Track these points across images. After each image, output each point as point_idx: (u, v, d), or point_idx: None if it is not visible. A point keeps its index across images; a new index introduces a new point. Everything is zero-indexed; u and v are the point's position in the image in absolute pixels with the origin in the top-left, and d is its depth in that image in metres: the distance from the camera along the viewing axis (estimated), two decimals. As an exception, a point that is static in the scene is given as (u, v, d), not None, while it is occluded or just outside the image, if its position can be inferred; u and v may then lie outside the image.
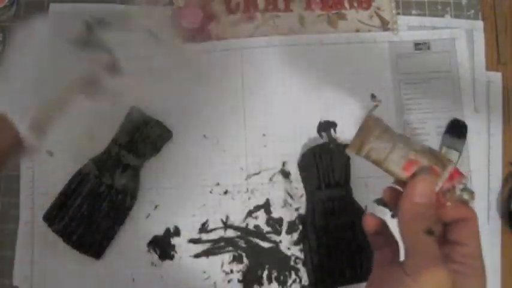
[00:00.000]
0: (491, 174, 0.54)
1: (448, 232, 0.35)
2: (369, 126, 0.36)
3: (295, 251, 0.52)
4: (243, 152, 0.54)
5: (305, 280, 0.52)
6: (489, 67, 0.57)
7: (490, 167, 0.54)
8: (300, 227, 0.53)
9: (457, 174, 0.33)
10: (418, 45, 0.56)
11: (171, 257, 0.52)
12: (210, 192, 0.54)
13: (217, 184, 0.54)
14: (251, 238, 0.53)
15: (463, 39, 0.56)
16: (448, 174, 0.33)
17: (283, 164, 0.54)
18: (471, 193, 0.34)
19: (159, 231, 0.53)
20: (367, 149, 0.35)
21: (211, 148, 0.54)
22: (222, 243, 0.53)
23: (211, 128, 0.55)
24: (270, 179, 0.54)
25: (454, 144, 0.53)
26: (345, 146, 0.54)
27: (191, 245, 0.53)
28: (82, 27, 0.43)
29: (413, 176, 0.33)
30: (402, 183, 0.34)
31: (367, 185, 0.53)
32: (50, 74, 0.39)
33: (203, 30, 0.57)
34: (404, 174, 0.33)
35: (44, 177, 0.55)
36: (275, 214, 0.53)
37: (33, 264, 0.53)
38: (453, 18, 0.58)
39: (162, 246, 0.53)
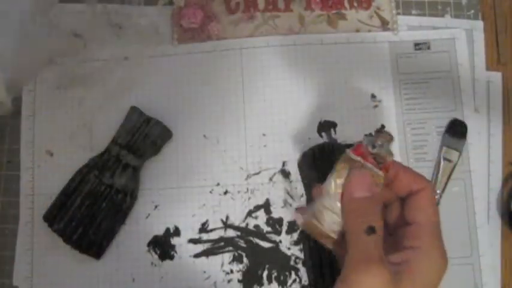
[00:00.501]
0: (491, 174, 0.54)
1: (404, 212, 0.35)
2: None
3: (295, 251, 0.52)
4: (243, 152, 0.54)
5: (305, 280, 0.52)
6: (489, 67, 0.57)
7: (490, 167, 0.54)
8: (300, 227, 0.53)
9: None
10: (418, 45, 0.56)
11: (171, 257, 0.52)
12: (210, 192, 0.54)
13: (217, 184, 0.54)
14: (251, 238, 0.53)
15: (463, 39, 0.56)
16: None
17: (283, 164, 0.54)
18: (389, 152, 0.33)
19: (159, 231, 0.53)
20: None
21: (211, 148, 0.54)
22: (222, 243, 0.53)
23: (211, 128, 0.55)
24: (270, 179, 0.54)
25: (454, 144, 0.53)
26: (345, 146, 0.54)
27: (191, 245, 0.53)
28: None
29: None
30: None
31: (367, 185, 0.53)
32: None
33: (203, 30, 0.57)
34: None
35: (44, 177, 0.55)
36: (275, 214, 0.53)
37: (33, 264, 0.53)
38: (453, 18, 0.58)
39: (162, 246, 0.53)
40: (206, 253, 0.53)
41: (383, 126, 0.55)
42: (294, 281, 0.52)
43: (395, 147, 0.54)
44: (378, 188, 0.33)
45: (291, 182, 0.54)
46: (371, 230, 0.31)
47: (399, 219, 0.36)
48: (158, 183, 0.54)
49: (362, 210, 0.32)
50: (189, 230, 0.53)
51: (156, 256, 0.52)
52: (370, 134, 0.35)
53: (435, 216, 0.34)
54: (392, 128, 0.55)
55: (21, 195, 0.55)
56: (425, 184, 0.35)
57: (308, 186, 0.52)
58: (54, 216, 0.52)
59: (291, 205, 0.53)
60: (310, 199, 0.52)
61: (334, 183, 0.34)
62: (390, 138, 0.33)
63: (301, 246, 0.52)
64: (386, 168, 0.33)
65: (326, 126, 0.55)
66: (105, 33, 0.57)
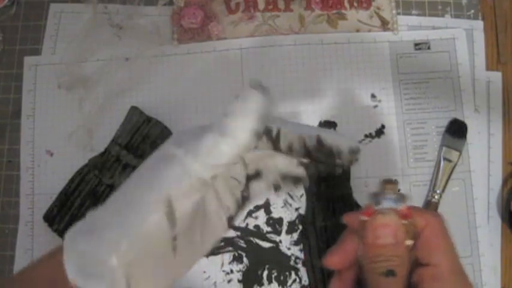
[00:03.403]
0: (491, 174, 0.54)
1: (417, 252, 0.32)
2: None
3: (295, 251, 0.52)
4: (243, 152, 0.54)
5: (305, 280, 0.52)
6: (489, 67, 0.57)
7: (490, 167, 0.54)
8: (300, 227, 0.53)
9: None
10: (418, 45, 0.56)
11: (171, 257, 0.52)
12: (210, 192, 0.54)
13: (217, 184, 0.54)
14: (251, 238, 0.53)
15: (463, 39, 0.56)
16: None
17: (283, 164, 0.54)
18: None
19: (159, 231, 0.53)
20: None
21: (211, 148, 0.54)
22: (222, 243, 0.53)
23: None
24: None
25: (454, 144, 0.53)
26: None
27: (191, 245, 0.53)
28: None
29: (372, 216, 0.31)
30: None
31: (367, 185, 0.53)
32: None
33: (203, 30, 0.57)
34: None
35: (44, 177, 0.55)
36: (275, 214, 0.53)
37: (33, 264, 0.53)
38: (453, 18, 0.58)
39: (162, 246, 0.53)
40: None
41: (383, 126, 0.55)
42: (294, 281, 0.52)
43: (396, 147, 0.54)
44: (408, 236, 0.31)
45: (291, 182, 0.54)
46: (390, 273, 0.30)
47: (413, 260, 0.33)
48: (158, 183, 0.54)
49: (385, 256, 0.30)
50: (189, 230, 0.53)
51: (156, 256, 0.52)
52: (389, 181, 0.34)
53: (452, 251, 0.31)
54: (392, 128, 0.55)
55: (21, 195, 0.55)
56: (431, 218, 0.32)
57: (308, 187, 0.52)
58: (54, 216, 0.52)
59: (291, 205, 0.53)
60: (310, 199, 0.52)
61: (361, 248, 0.32)
62: (395, 185, 0.32)
63: (301, 246, 0.52)
64: (407, 216, 0.31)
65: (326, 126, 0.55)
66: (106, 34, 0.58)
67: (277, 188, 0.33)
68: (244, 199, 0.33)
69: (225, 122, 0.29)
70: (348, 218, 0.33)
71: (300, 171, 0.32)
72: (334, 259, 0.32)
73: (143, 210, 0.28)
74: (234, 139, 0.29)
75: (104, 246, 0.27)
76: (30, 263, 0.30)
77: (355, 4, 0.57)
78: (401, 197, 0.31)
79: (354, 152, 0.32)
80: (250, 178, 0.32)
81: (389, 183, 0.31)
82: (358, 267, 0.32)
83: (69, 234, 0.28)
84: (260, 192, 0.33)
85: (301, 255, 0.52)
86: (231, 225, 0.33)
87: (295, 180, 0.33)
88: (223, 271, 0.52)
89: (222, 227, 0.32)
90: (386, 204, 0.31)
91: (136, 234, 0.27)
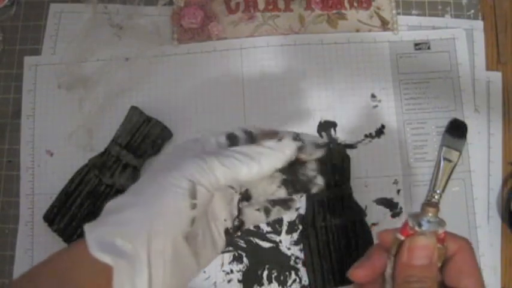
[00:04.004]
0: (491, 174, 0.54)
1: (444, 275, 0.33)
2: None
3: (295, 251, 0.52)
4: (243, 152, 0.54)
5: (305, 280, 0.52)
6: (489, 67, 0.57)
7: (490, 167, 0.54)
8: (300, 227, 0.53)
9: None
10: (418, 45, 0.56)
11: (171, 257, 0.52)
12: (210, 192, 0.54)
13: (217, 184, 0.54)
14: (251, 238, 0.53)
15: (463, 39, 0.56)
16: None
17: (283, 164, 0.54)
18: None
19: (159, 231, 0.53)
20: None
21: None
22: (222, 243, 0.53)
23: (211, 127, 0.55)
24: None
25: (454, 144, 0.53)
26: (346, 146, 0.54)
27: (191, 245, 0.53)
28: None
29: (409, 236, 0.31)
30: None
31: (367, 185, 0.53)
32: None
33: (203, 30, 0.57)
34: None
35: (44, 177, 0.55)
36: (275, 214, 0.53)
37: (33, 264, 0.53)
38: (453, 18, 0.58)
39: (162, 246, 0.52)
40: (206, 253, 0.53)
41: (383, 126, 0.55)
42: (294, 281, 0.52)
43: (396, 147, 0.54)
44: (439, 260, 0.32)
45: (291, 182, 0.54)
46: None
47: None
48: (158, 183, 0.54)
49: (417, 277, 0.31)
50: (189, 230, 0.53)
51: (156, 256, 0.52)
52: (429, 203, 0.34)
53: (480, 277, 0.33)
54: (392, 128, 0.55)
55: (21, 195, 0.55)
56: (464, 244, 0.33)
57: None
58: (54, 216, 0.52)
59: (291, 205, 0.53)
60: (310, 199, 0.52)
61: (390, 266, 0.33)
62: (437, 209, 0.32)
63: (301, 246, 0.52)
64: (442, 240, 0.32)
65: (326, 126, 0.55)
66: (106, 34, 0.58)
67: (267, 211, 0.36)
68: (240, 223, 0.35)
69: (258, 150, 0.33)
70: (383, 235, 0.34)
71: (282, 192, 0.35)
72: (360, 273, 0.33)
73: (167, 184, 0.30)
74: (261, 168, 0.32)
75: (128, 226, 0.29)
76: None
77: (355, 4, 0.57)
78: (442, 222, 0.32)
79: (320, 146, 0.34)
80: (242, 200, 0.35)
81: (431, 206, 0.32)
82: (382, 282, 0.33)
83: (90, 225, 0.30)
84: (253, 216, 0.36)
85: (301, 255, 0.52)
86: (227, 238, 0.35)
87: (284, 202, 0.35)
88: (223, 271, 0.52)
89: (219, 237, 0.34)
90: (427, 226, 0.31)
91: (159, 209, 0.29)
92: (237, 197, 0.35)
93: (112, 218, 0.30)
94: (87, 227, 0.29)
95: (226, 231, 0.35)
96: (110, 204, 0.31)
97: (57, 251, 0.31)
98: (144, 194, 0.30)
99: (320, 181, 0.36)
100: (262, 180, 0.34)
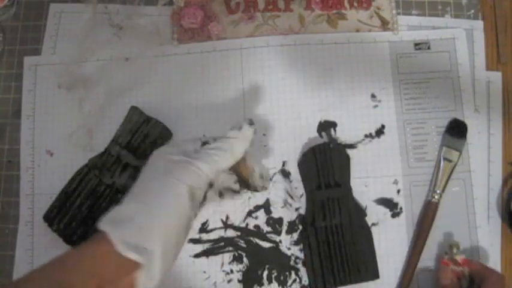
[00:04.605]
0: (491, 174, 0.54)
1: None
2: None
3: (295, 251, 0.52)
4: (243, 152, 0.54)
5: (305, 280, 0.52)
6: (489, 67, 0.57)
7: (490, 167, 0.54)
8: (300, 227, 0.53)
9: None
10: (418, 45, 0.56)
11: (171, 257, 0.52)
12: (210, 192, 0.54)
13: (217, 184, 0.54)
14: (251, 238, 0.53)
15: (463, 39, 0.56)
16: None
17: (283, 163, 0.54)
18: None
19: (159, 231, 0.53)
20: None
21: (211, 148, 0.54)
22: (222, 243, 0.53)
23: (211, 127, 0.55)
24: (270, 179, 0.54)
25: (454, 144, 0.53)
26: (345, 146, 0.54)
27: (191, 245, 0.53)
28: None
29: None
30: None
31: (367, 185, 0.53)
32: None
33: (203, 30, 0.57)
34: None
35: (44, 177, 0.55)
36: (275, 214, 0.53)
37: (33, 264, 0.53)
38: (453, 18, 0.58)
39: (162, 246, 0.52)
40: (206, 253, 0.53)
41: (383, 126, 0.55)
42: (294, 281, 0.52)
43: (396, 147, 0.54)
44: (463, 279, 0.48)
45: (291, 182, 0.54)
46: None
47: None
48: (158, 183, 0.54)
49: None
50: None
51: (156, 256, 0.52)
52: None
53: None
54: (392, 128, 0.55)
55: (21, 195, 0.55)
56: (492, 275, 0.46)
57: (308, 186, 0.52)
58: (54, 216, 0.52)
59: (291, 205, 0.53)
60: (310, 199, 0.52)
61: None
62: (458, 245, 0.49)
63: (301, 246, 0.52)
64: (462, 263, 0.48)
65: (326, 126, 0.55)
66: (106, 34, 0.58)
67: (220, 195, 0.46)
68: (201, 203, 0.44)
69: (228, 142, 0.43)
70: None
71: (236, 187, 0.46)
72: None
73: (173, 194, 0.39)
74: (234, 155, 0.43)
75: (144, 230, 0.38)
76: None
77: (355, 4, 0.57)
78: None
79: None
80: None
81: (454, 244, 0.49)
82: None
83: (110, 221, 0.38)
84: (211, 197, 0.45)
85: (301, 255, 0.52)
86: None
87: (233, 191, 0.47)
88: (223, 271, 0.52)
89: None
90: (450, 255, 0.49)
91: (168, 215, 0.39)
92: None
93: (130, 224, 0.38)
94: (111, 231, 0.37)
95: None
96: (122, 212, 0.39)
97: (73, 249, 0.39)
98: (152, 203, 0.39)
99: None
100: (223, 172, 0.45)
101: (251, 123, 0.45)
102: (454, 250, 0.49)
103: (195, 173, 0.40)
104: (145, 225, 0.38)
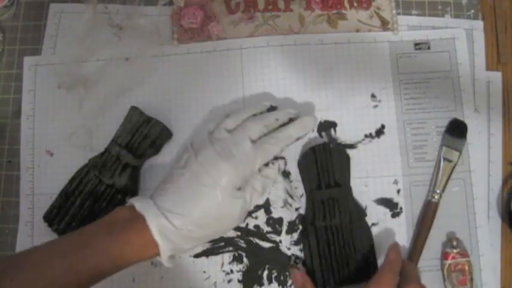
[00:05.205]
0: (491, 174, 0.54)
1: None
2: None
3: (295, 251, 0.52)
4: (243, 152, 0.54)
5: (305, 280, 0.52)
6: (489, 67, 0.57)
7: (490, 167, 0.54)
8: (300, 227, 0.53)
9: None
10: (418, 45, 0.56)
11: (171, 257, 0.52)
12: (210, 192, 0.54)
13: (217, 184, 0.54)
14: (251, 238, 0.53)
15: (463, 39, 0.56)
16: None
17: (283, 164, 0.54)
18: None
19: (159, 231, 0.53)
20: None
21: (211, 148, 0.54)
22: (222, 243, 0.53)
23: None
24: (270, 179, 0.54)
25: (454, 144, 0.53)
26: (345, 146, 0.54)
27: (191, 245, 0.53)
28: None
29: None
30: None
31: (367, 185, 0.53)
32: None
33: (203, 30, 0.57)
34: None
35: (44, 177, 0.55)
36: (275, 214, 0.53)
37: (33, 264, 0.53)
38: (453, 18, 0.58)
39: (162, 246, 0.52)
40: (206, 253, 0.53)
41: (383, 126, 0.55)
42: (294, 281, 0.52)
43: (396, 147, 0.54)
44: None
45: (291, 182, 0.54)
46: None
47: None
48: (158, 183, 0.54)
49: None
50: (189, 230, 0.53)
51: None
52: None
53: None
54: (392, 128, 0.55)
55: (21, 195, 0.55)
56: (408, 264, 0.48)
57: (308, 186, 0.52)
58: (54, 216, 0.52)
59: (291, 205, 0.53)
60: (310, 199, 0.52)
61: None
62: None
63: (301, 246, 0.52)
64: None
65: (326, 126, 0.55)
66: (106, 34, 0.58)
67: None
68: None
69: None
70: None
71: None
72: None
73: (207, 191, 0.45)
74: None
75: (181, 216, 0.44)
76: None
77: (355, 4, 0.57)
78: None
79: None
80: None
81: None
82: None
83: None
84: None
85: (301, 255, 0.52)
86: None
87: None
88: (223, 271, 0.52)
89: None
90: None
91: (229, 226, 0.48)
92: None
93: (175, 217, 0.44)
94: (150, 217, 0.43)
95: None
96: (166, 202, 0.45)
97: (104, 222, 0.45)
98: (214, 215, 0.46)
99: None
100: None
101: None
102: (454, 243, 0.51)
103: (252, 171, 0.47)
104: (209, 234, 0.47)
